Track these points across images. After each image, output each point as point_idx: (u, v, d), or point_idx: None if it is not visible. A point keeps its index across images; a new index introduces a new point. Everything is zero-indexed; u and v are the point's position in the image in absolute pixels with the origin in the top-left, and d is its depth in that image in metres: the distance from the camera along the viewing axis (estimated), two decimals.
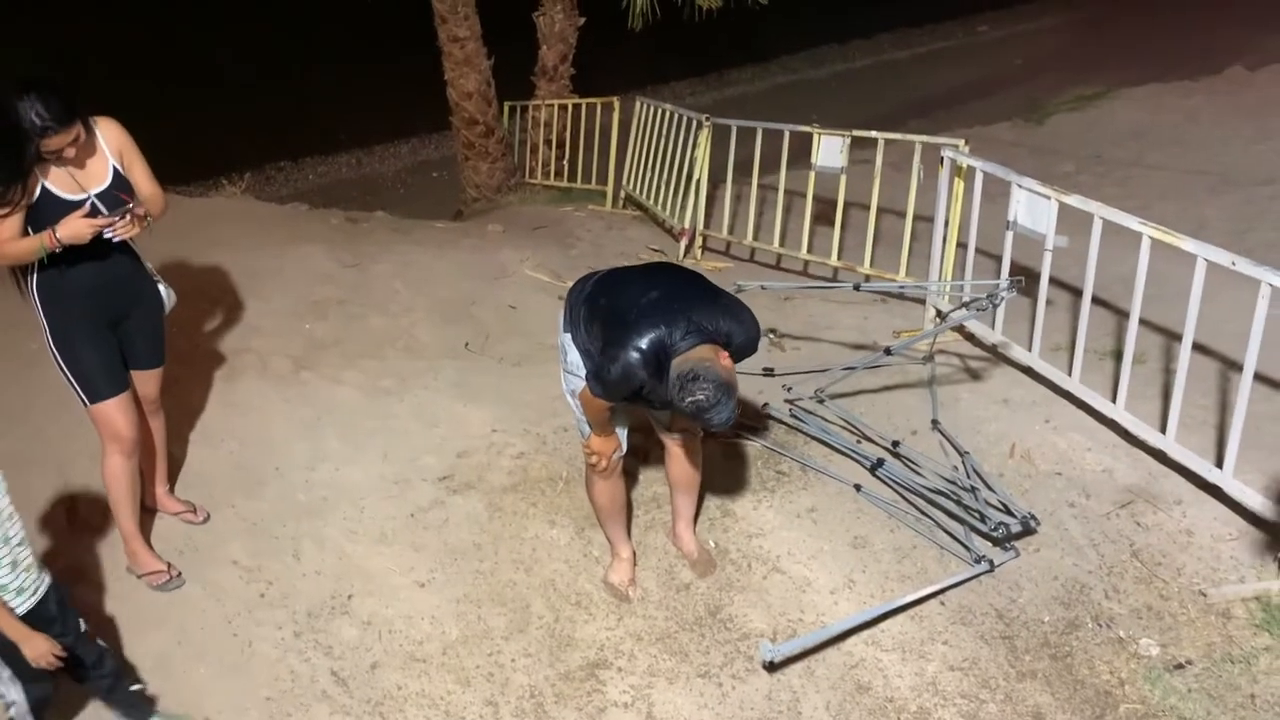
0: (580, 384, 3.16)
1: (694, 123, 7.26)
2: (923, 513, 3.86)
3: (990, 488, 3.86)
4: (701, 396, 2.73)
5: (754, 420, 4.41)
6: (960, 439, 4.20)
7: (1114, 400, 4.16)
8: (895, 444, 4.12)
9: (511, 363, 4.98)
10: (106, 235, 3.00)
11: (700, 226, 7.22)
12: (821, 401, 4.49)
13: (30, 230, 2.98)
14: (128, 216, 3.02)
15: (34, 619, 2.60)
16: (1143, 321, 4.16)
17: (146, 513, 3.61)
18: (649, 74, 15.70)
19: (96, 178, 3.08)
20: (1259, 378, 3.74)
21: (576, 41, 9.84)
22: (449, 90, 9.75)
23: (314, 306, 5.19)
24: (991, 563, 3.59)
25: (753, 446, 4.26)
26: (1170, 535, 3.72)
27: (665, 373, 2.83)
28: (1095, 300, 4.41)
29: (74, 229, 2.94)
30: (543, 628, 3.42)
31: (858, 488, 3.99)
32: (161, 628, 3.26)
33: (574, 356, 3.21)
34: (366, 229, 6.96)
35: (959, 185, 5.27)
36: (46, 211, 2.98)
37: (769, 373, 4.76)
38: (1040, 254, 4.49)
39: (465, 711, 3.13)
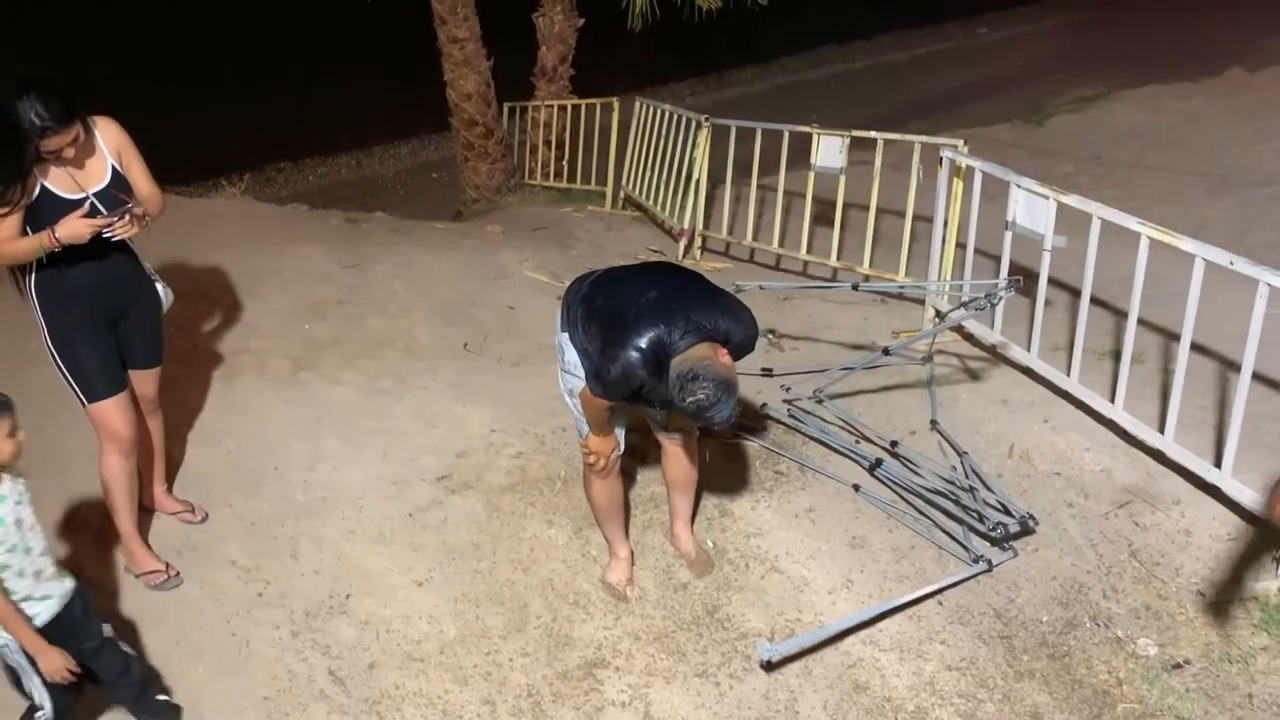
0: (577, 383, 3.16)
1: (693, 123, 7.27)
2: (921, 513, 3.86)
3: (989, 488, 3.86)
4: (702, 395, 2.73)
5: (752, 420, 4.41)
6: (959, 439, 4.20)
7: (1112, 400, 4.16)
8: (894, 444, 4.12)
9: (510, 363, 4.98)
10: (105, 235, 3.01)
11: (699, 227, 7.23)
12: (820, 402, 4.49)
13: (29, 230, 2.98)
14: (127, 217, 3.02)
15: (59, 625, 2.61)
16: (1141, 321, 4.16)
17: (145, 512, 3.61)
18: (648, 75, 15.70)
19: (95, 177, 3.08)
20: (1257, 377, 3.75)
21: (576, 42, 9.85)
22: (448, 91, 9.77)
23: (313, 307, 5.19)
24: (990, 563, 3.59)
25: (751, 446, 4.26)
26: (1168, 535, 3.72)
27: (665, 372, 2.83)
28: (1094, 300, 4.41)
29: (73, 229, 2.94)
30: (540, 627, 3.42)
31: (856, 488, 3.99)
32: (159, 627, 3.26)
33: (571, 356, 3.21)
34: (366, 230, 6.97)
35: (958, 185, 5.27)
36: (45, 211, 2.98)
37: (768, 373, 4.76)
38: (1039, 254, 4.49)
39: (463, 711, 3.13)
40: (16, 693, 2.67)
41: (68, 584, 2.66)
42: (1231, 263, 3.59)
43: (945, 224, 5.31)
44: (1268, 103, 9.61)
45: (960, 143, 5.27)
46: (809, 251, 6.50)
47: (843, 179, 6.20)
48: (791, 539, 3.77)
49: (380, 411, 4.39)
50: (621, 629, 3.43)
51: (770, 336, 5.29)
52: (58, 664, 2.56)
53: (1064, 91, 11.78)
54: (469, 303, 5.60)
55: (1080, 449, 4.16)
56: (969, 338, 5.16)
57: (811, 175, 6.38)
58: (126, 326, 3.30)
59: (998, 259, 4.86)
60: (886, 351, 4.61)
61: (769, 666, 3.26)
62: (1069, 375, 4.38)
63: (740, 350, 2.98)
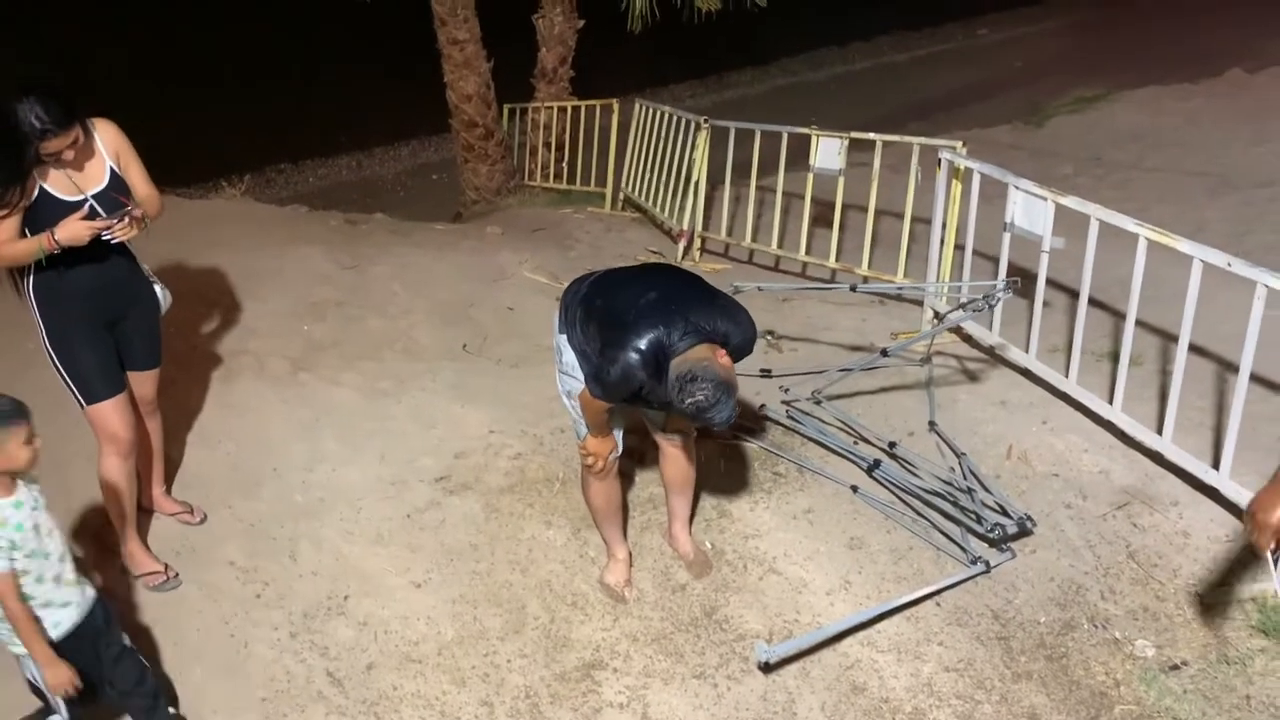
0: (575, 385, 3.17)
1: (692, 124, 7.27)
2: (919, 514, 3.87)
3: (987, 489, 3.86)
4: (701, 396, 2.74)
5: (751, 421, 4.41)
6: (957, 440, 4.21)
7: (1111, 402, 4.17)
8: (892, 445, 4.12)
9: (509, 364, 4.98)
10: (104, 237, 3.01)
11: (699, 228, 7.23)
12: (819, 403, 4.49)
13: (28, 232, 2.99)
14: (126, 219, 3.03)
15: (80, 633, 2.62)
16: (1139, 323, 4.16)
17: (143, 513, 3.62)
18: (648, 76, 15.72)
19: (94, 179, 3.09)
20: (1255, 379, 3.75)
21: (576, 44, 9.85)
22: (448, 93, 9.77)
23: (312, 308, 5.20)
24: (988, 564, 3.59)
25: (750, 448, 4.26)
26: (1167, 536, 3.72)
27: (664, 373, 2.83)
28: (1092, 302, 4.41)
29: (72, 231, 2.95)
30: (539, 628, 3.43)
31: (854, 489, 3.99)
32: (158, 628, 3.26)
33: (569, 357, 3.21)
34: (365, 231, 6.97)
35: (956, 187, 5.27)
36: (44, 213, 2.98)
37: (766, 374, 4.77)
38: (1037, 255, 4.50)
39: (460, 712, 3.14)
40: (36, 698, 2.70)
41: (89, 592, 2.68)
42: (1229, 264, 3.60)
43: (944, 225, 5.32)
44: (1267, 104, 9.61)
45: (959, 144, 5.28)
46: (808, 253, 6.50)
47: (841, 180, 6.20)
48: (790, 540, 3.77)
49: (379, 413, 4.39)
50: (619, 630, 3.44)
51: (769, 338, 5.29)
52: (64, 679, 2.56)
53: (1064, 93, 11.78)
54: (468, 304, 5.60)
55: (1078, 450, 4.16)
56: (967, 339, 5.16)
57: (810, 177, 6.38)
58: (125, 328, 3.31)
59: (996, 260, 4.87)
60: (885, 353, 4.62)
61: (767, 668, 3.26)
62: (1067, 376, 4.39)
63: (739, 352, 2.98)
